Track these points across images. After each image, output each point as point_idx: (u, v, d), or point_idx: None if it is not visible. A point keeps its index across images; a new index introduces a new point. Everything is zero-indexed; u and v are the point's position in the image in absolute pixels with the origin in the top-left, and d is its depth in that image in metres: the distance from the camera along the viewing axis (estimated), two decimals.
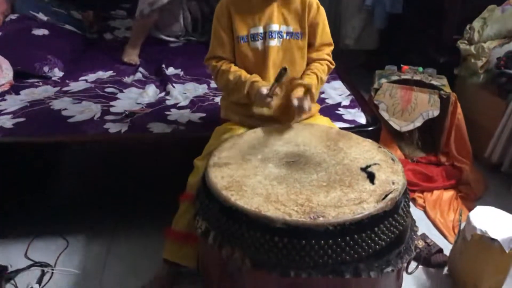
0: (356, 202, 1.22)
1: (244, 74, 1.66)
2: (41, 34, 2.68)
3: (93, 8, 3.31)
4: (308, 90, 1.58)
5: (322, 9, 1.70)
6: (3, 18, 2.73)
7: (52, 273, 1.87)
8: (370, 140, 1.56)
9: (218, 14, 1.69)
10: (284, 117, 1.72)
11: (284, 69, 1.46)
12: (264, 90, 1.54)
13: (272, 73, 1.68)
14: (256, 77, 1.64)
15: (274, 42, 1.66)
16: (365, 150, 1.49)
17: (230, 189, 1.28)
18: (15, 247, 2.00)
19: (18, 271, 1.85)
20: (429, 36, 3.16)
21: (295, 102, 1.56)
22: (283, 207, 1.20)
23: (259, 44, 1.66)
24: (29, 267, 1.88)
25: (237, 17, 1.65)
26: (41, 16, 2.86)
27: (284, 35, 1.66)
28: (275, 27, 1.65)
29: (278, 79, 1.49)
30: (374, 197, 1.25)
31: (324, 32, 1.71)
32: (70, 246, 2.02)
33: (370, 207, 1.20)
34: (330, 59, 1.75)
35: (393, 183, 1.31)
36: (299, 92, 1.60)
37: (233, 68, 1.68)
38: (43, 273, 1.87)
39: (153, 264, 1.85)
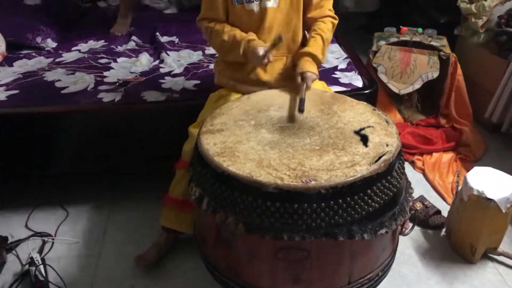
0: (349, 165, 1.21)
1: (238, 33, 1.61)
2: (33, 4, 2.64)
3: None
4: (313, 58, 1.58)
5: None
6: None
7: (53, 243, 1.90)
8: (364, 103, 1.53)
9: None
10: (281, 83, 1.70)
11: (279, 38, 1.46)
12: (261, 51, 1.52)
13: (268, 37, 1.63)
14: (251, 35, 1.60)
15: (271, 3, 1.59)
16: (359, 113, 1.47)
17: (222, 155, 1.27)
18: (15, 218, 2.03)
19: (19, 242, 1.88)
20: None
21: (298, 80, 1.56)
22: (275, 171, 1.19)
23: (254, 5, 1.60)
24: (29, 237, 1.91)
25: None
26: None
27: None
28: None
29: (273, 47, 1.49)
30: (367, 159, 1.24)
31: None
32: (70, 216, 2.04)
33: (362, 169, 1.19)
34: (333, 14, 1.70)
35: (387, 145, 1.29)
36: (305, 64, 1.58)
37: (227, 27, 1.62)
38: (43, 243, 1.89)
39: (152, 231, 1.87)
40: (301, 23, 1.69)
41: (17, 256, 1.82)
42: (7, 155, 1.92)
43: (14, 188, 2.09)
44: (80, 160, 1.99)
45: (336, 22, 1.71)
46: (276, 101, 1.56)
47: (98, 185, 2.16)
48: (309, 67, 1.58)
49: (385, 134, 1.35)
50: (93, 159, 1.99)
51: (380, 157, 1.24)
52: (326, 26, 1.67)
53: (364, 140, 1.32)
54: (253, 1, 1.60)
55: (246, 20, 1.62)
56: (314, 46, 1.62)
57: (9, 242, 1.85)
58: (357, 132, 1.36)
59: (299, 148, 1.30)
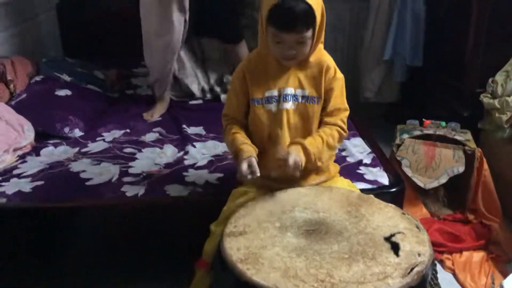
0: (381, 277, 1.16)
1: (237, 137, 1.63)
2: (63, 95, 2.73)
3: (116, 67, 3.39)
4: (304, 149, 1.55)
5: (339, 75, 1.65)
6: (29, 80, 2.80)
7: None
8: (393, 206, 1.50)
9: (234, 77, 1.72)
10: (303, 181, 1.68)
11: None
12: (244, 168, 1.52)
13: (287, 135, 1.64)
14: (244, 144, 1.60)
15: (289, 105, 1.63)
16: (388, 217, 1.42)
17: (246, 262, 1.23)
18: None
19: None
20: (451, 89, 3.12)
21: (283, 155, 1.52)
22: (302, 283, 1.14)
23: (273, 106, 1.64)
24: None
25: (252, 81, 1.65)
26: (65, 77, 2.93)
27: (300, 99, 1.63)
28: (290, 90, 1.62)
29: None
30: (399, 271, 1.18)
31: (338, 97, 1.65)
32: None
33: (395, 282, 1.14)
34: (343, 125, 1.67)
35: (419, 255, 1.24)
36: (293, 147, 1.55)
37: (234, 129, 1.66)
38: None
39: None
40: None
41: None
42: (28, 249, 1.91)
43: (30, 280, 2.03)
44: (98, 255, 1.95)
45: (344, 134, 1.68)
46: (301, 200, 1.54)
47: (115, 280, 2.09)
48: (297, 151, 1.53)
49: (416, 241, 1.30)
50: (111, 254, 1.95)
51: (412, 269, 1.18)
52: (331, 132, 1.63)
53: (395, 248, 1.27)
54: (272, 102, 1.64)
55: (265, 119, 1.65)
56: (309, 141, 1.59)
57: None
58: (387, 239, 1.31)
59: (326, 255, 1.25)
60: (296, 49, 1.54)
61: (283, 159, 1.52)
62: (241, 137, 1.64)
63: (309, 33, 1.52)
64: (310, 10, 1.47)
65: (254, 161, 1.55)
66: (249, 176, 1.52)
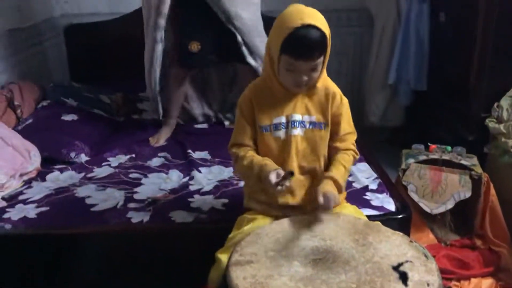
0: None
1: (256, 158, 1.62)
2: (70, 120, 2.75)
3: (122, 91, 3.41)
4: (335, 182, 1.56)
5: (345, 101, 1.68)
6: (35, 105, 2.83)
7: None
8: (401, 233, 1.48)
9: (241, 103, 1.71)
10: (310, 206, 1.67)
11: (291, 173, 1.46)
12: (273, 179, 1.49)
13: (295, 161, 1.65)
14: (266, 160, 1.60)
15: (297, 131, 1.64)
16: (395, 245, 1.41)
17: None
18: None
19: None
20: (456, 113, 3.11)
21: (321, 200, 1.51)
22: None
23: (281, 133, 1.64)
24: None
25: (260, 108, 1.65)
26: (71, 101, 2.96)
27: (307, 125, 1.64)
28: (297, 117, 1.63)
29: (284, 180, 1.48)
30: None
31: (347, 122, 1.68)
32: None
33: None
34: (355, 148, 1.71)
35: (428, 285, 1.22)
36: (327, 185, 1.55)
37: (249, 153, 1.64)
38: None
39: None
40: (327, 152, 1.70)
41: None
42: (30, 275, 1.89)
43: None
44: (103, 281, 1.92)
45: (357, 157, 1.72)
46: (308, 228, 1.52)
47: None
48: (331, 189, 1.55)
49: (424, 270, 1.28)
50: (116, 280, 1.92)
51: None
52: (349, 158, 1.67)
53: (403, 277, 1.25)
54: (281, 129, 1.65)
55: (274, 146, 1.65)
56: (336, 172, 1.61)
57: None
58: (395, 268, 1.29)
59: (334, 285, 1.23)
60: (308, 75, 1.55)
61: (323, 206, 1.51)
62: (260, 157, 1.62)
63: (321, 59, 1.54)
64: (324, 36, 1.49)
65: (283, 172, 1.53)
66: (279, 188, 1.49)
